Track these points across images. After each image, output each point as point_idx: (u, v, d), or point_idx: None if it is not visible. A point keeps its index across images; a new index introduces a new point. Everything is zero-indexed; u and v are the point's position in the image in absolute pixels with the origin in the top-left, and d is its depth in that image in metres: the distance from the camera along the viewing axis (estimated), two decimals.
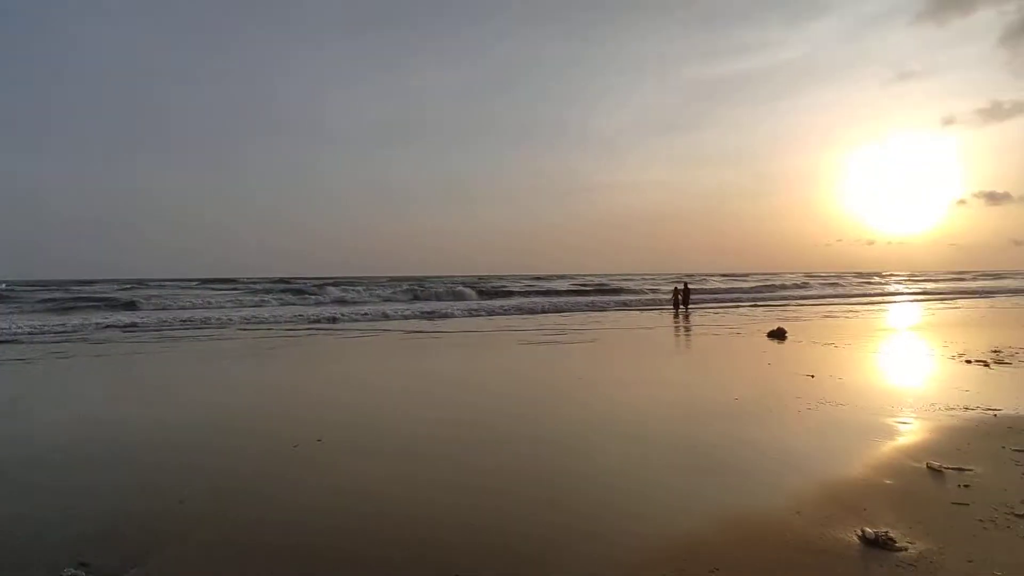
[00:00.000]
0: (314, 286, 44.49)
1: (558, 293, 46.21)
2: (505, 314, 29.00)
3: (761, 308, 32.10)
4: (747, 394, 8.84)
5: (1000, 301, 36.64)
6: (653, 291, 47.69)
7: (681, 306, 29.12)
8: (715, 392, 9.29)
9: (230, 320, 24.72)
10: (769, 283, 63.99)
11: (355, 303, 35.69)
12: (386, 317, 26.71)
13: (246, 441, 6.93)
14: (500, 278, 70.94)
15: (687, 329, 20.88)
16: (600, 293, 47.35)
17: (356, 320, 25.36)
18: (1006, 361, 11.46)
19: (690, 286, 31.23)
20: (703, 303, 37.40)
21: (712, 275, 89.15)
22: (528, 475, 5.54)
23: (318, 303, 35.41)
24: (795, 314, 27.06)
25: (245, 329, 21.81)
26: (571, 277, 74.61)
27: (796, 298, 44.24)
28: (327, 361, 14.49)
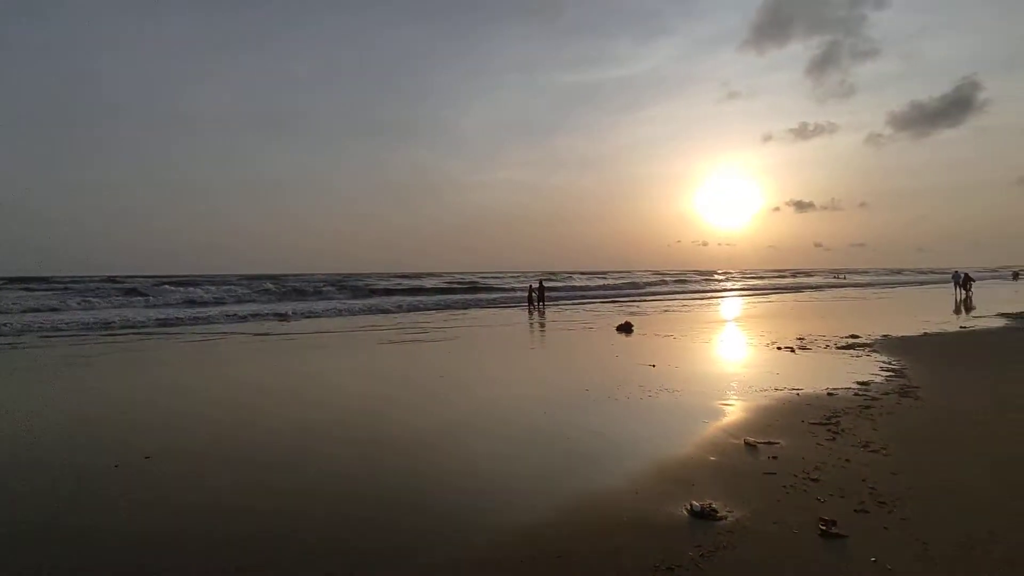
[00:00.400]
0: (153, 285, 39.80)
1: (425, 291, 45.91)
2: (368, 313, 28.18)
3: (613, 304, 34.32)
4: (596, 385, 9.36)
5: (805, 296, 42.59)
6: (521, 289, 49.03)
7: (537, 303, 30.31)
8: (568, 384, 9.73)
9: (38, 325, 21.33)
10: (621, 280, 68.68)
11: (203, 304, 32.61)
12: (235, 319, 24.68)
13: (58, 463, 5.98)
14: (366, 276, 68.75)
15: (542, 325, 21.69)
16: (468, 291, 47.82)
17: (198, 322, 23.13)
18: (808, 347, 13.31)
19: (548, 284, 32.67)
20: (562, 300, 39.19)
21: (574, 272, 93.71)
22: (385, 476, 5.38)
23: (151, 304, 31.79)
24: (642, 309, 29.27)
25: (53, 336, 18.93)
26: (441, 275, 74.46)
27: (643, 294, 47.94)
28: (158, 370, 13.01)
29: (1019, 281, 65.11)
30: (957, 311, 24.22)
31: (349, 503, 4.75)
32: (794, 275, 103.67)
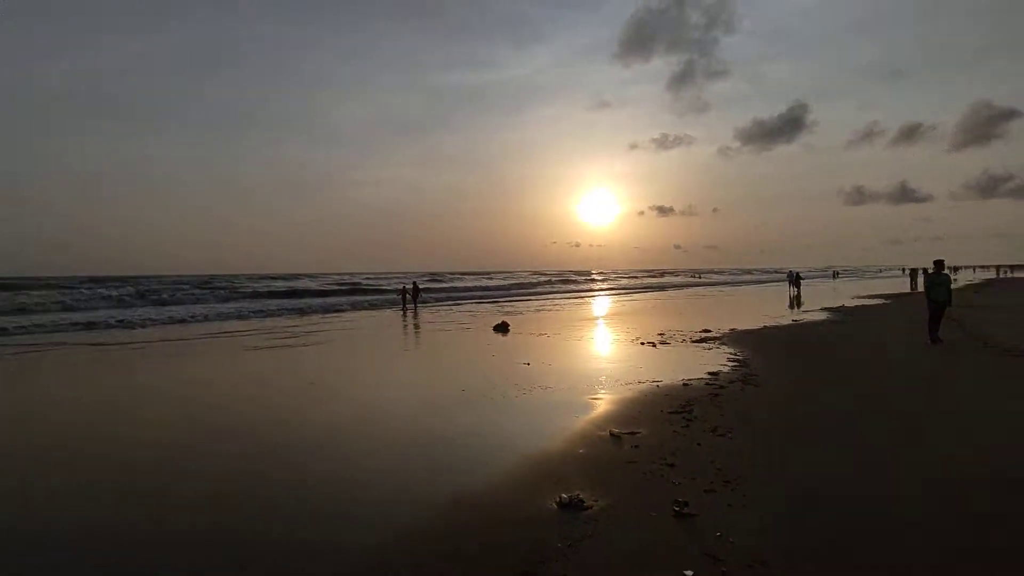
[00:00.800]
0: None
1: (300, 294, 43.49)
2: (234, 318, 26.13)
3: (492, 304, 34.80)
4: (473, 385, 9.43)
5: (667, 294, 46.00)
6: (400, 290, 48.01)
7: (411, 304, 30.10)
8: (444, 385, 9.70)
9: None
10: (501, 281, 69.82)
11: (36, 310, 28.38)
12: (73, 327, 21.75)
13: None
14: (234, 277, 63.88)
15: (416, 327, 21.48)
16: (347, 293, 45.92)
17: (26, 332, 20.11)
18: (668, 342, 14.39)
19: (432, 286, 32.61)
20: (444, 301, 39.02)
21: (457, 273, 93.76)
22: (256, 489, 5.02)
23: None
24: (519, 309, 29.97)
25: None
26: (321, 276, 70.97)
27: (522, 294, 49.07)
28: None
29: (838, 279, 75.45)
30: (791, 306, 27.41)
31: (220, 520, 4.37)
32: (662, 275, 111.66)
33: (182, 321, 24.31)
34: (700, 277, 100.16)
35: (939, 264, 13.77)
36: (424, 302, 34.44)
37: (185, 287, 42.43)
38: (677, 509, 4.29)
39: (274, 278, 65.19)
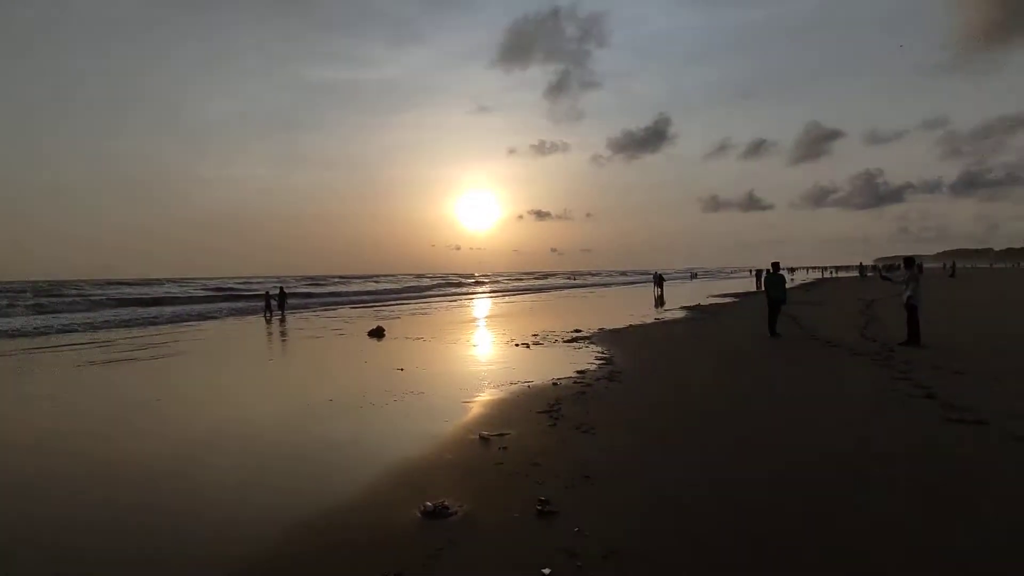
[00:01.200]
0: None
1: (157, 301, 39.36)
2: (70, 331, 22.96)
3: (369, 308, 33.73)
4: (342, 394, 9.03)
5: (544, 296, 47.39)
6: (264, 296, 44.97)
7: (277, 310, 28.34)
8: (311, 396, 9.18)
9: None
10: (380, 285, 68.03)
11: None
12: None
13: None
14: (76, 284, 56.50)
15: (283, 334, 20.30)
16: (215, 300, 42.19)
17: None
18: (541, 342, 14.76)
19: (305, 291, 30.96)
20: (321, 306, 37.19)
21: (335, 276, 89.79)
22: (91, 518, 4.36)
23: None
24: (397, 313, 29.33)
25: None
26: (188, 281, 64.60)
27: (401, 298, 48.07)
28: None
29: (696, 280, 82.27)
30: (656, 305, 29.34)
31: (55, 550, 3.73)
32: (545, 277, 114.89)
33: (8, 335, 21.01)
34: (575, 279, 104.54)
35: (775, 265, 15.38)
36: (292, 309, 32.60)
37: (9, 294, 36.87)
38: (539, 508, 4.35)
39: (126, 284, 58.67)
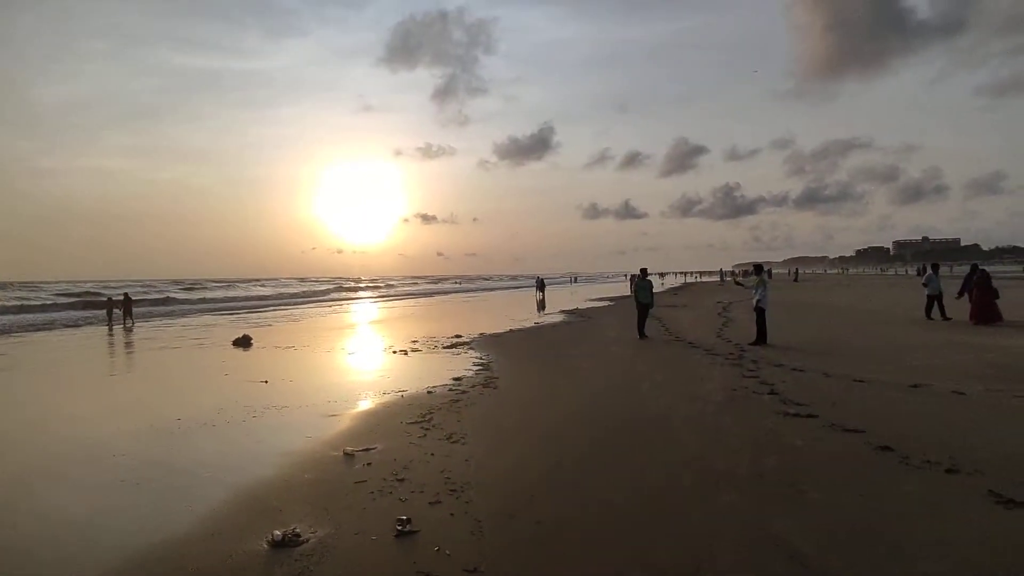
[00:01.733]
0: None
1: None
2: None
3: (238, 315, 31.33)
4: (193, 411, 8.18)
5: (427, 300, 46.83)
6: (107, 302, 40.21)
7: (123, 319, 25.53)
8: (156, 414, 8.21)
9: None
10: (255, 289, 63.61)
11: None
12: None
13: None
14: None
15: (128, 344, 18.31)
16: (55, 308, 36.84)
17: None
18: (419, 349, 14.46)
19: (167, 294, 28.24)
20: (185, 314, 33.95)
21: (210, 281, 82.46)
22: None
23: None
24: (268, 320, 27.51)
25: None
26: (36, 285, 55.79)
27: (275, 303, 45.25)
28: None
29: (576, 284, 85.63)
30: (537, 310, 29.99)
31: None
32: (436, 282, 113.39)
33: None
34: (460, 283, 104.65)
35: (643, 271, 16.27)
36: (154, 316, 29.55)
37: None
38: (400, 528, 4.14)
39: None
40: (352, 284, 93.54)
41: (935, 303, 16.83)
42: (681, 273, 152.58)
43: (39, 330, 23.97)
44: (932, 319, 16.69)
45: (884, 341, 13.39)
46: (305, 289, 71.18)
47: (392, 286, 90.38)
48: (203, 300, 47.51)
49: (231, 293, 57.93)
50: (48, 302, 40.46)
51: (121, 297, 26.90)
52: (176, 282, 74.34)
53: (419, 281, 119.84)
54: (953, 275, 41.78)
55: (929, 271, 17.66)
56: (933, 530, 3.93)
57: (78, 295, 46.46)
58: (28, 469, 6.04)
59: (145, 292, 51.54)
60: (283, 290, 66.73)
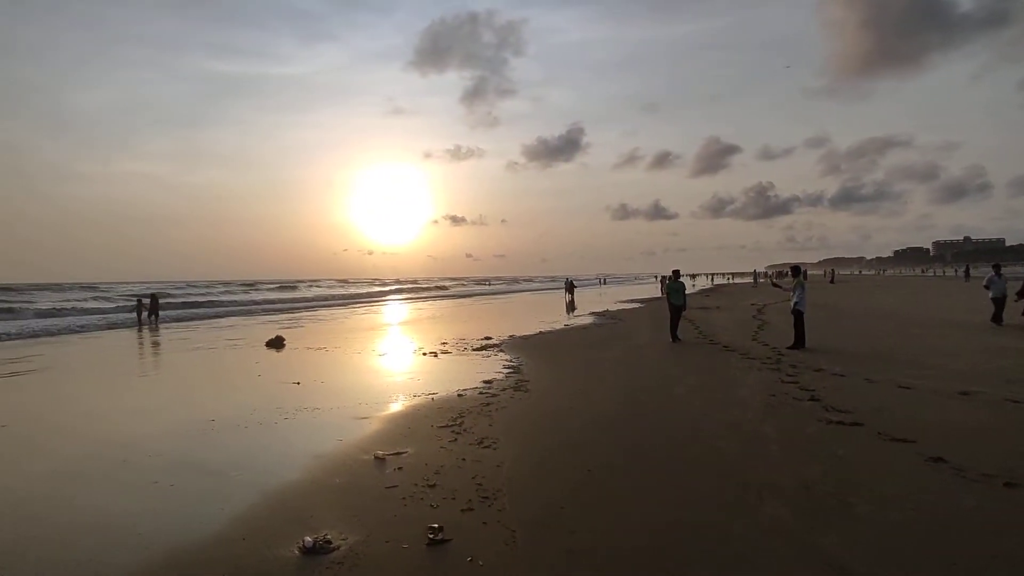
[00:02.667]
0: None
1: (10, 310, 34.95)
2: None
3: (271, 316, 31.89)
4: (226, 412, 8.28)
5: (457, 301, 46.98)
6: (136, 304, 41.25)
7: (149, 318, 26.70)
8: (190, 416, 8.34)
9: None
10: (287, 291, 64.76)
11: None
12: None
13: None
14: None
15: (156, 344, 18.74)
16: (89, 312, 38.05)
17: None
18: (449, 351, 14.44)
19: (160, 298, 29.40)
20: (214, 315, 34.72)
21: (232, 283, 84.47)
22: None
23: None
24: (301, 321, 27.91)
25: None
26: (61, 287, 57.91)
27: (306, 305, 45.96)
28: None
29: (605, 286, 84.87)
30: (567, 311, 29.79)
31: None
32: (468, 283, 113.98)
33: None
34: (490, 284, 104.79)
35: (676, 273, 15.98)
36: (187, 319, 30.35)
37: None
38: (431, 536, 4.07)
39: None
40: (381, 285, 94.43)
41: (1000, 306, 15.85)
42: (713, 274, 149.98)
43: (73, 333, 24.73)
44: (1000, 324, 15.60)
45: (928, 345, 12.87)
46: (337, 291, 72.13)
47: (421, 287, 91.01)
48: (237, 301, 48.57)
49: (266, 296, 59.05)
50: (78, 303, 41.70)
51: (148, 300, 28.05)
52: (208, 283, 76.06)
53: (448, 283, 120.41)
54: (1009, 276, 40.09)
55: (992, 272, 16.63)
56: (993, 547, 3.69)
57: (101, 297, 47.75)
58: (65, 468, 6.16)
59: (179, 293, 52.98)
60: (316, 291, 67.76)
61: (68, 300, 43.51)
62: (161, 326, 25.47)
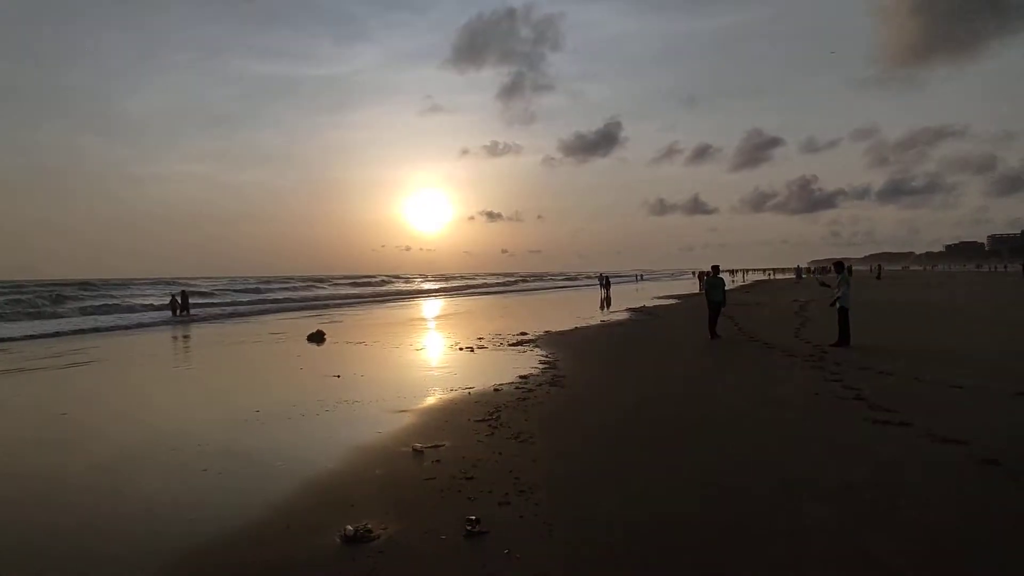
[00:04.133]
0: None
1: (64, 301, 36.58)
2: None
3: (312, 312, 32.67)
4: (270, 404, 8.55)
5: (492, 298, 47.21)
6: (171, 301, 42.57)
7: (184, 311, 28.64)
8: (236, 406, 8.65)
9: None
10: (326, 287, 66.14)
11: None
12: None
13: None
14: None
15: (187, 337, 19.41)
16: (143, 309, 39.45)
17: None
18: (485, 346, 14.54)
19: (188, 293, 31.48)
20: (258, 312, 35.75)
21: (276, 279, 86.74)
22: None
23: None
24: (341, 316, 28.50)
25: None
26: (91, 285, 60.56)
27: (346, 300, 46.85)
28: None
29: (642, 282, 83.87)
30: (601, 307, 29.61)
31: None
32: (519, 279, 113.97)
33: None
34: (529, 280, 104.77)
35: (715, 268, 15.70)
36: (233, 316, 31.42)
37: None
38: (469, 528, 4.12)
39: (36, 284, 54.73)
40: (418, 281, 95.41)
41: None
42: (753, 270, 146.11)
43: (126, 329, 25.79)
44: None
45: (982, 344, 12.34)
46: (372, 286, 73.24)
47: (457, 283, 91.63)
48: (274, 300, 49.68)
49: (307, 293, 60.26)
50: (131, 300, 43.09)
51: (179, 295, 29.79)
52: (251, 280, 78.22)
53: (484, 277, 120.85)
54: None
55: None
56: None
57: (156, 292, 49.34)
58: (121, 455, 6.47)
59: (226, 289, 54.67)
60: (351, 287, 68.94)
61: (132, 295, 45.00)
62: (209, 321, 26.40)
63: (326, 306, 38.66)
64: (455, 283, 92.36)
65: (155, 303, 36.36)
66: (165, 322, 26.65)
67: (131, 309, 35.61)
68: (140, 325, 25.22)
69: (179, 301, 29.41)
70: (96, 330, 23.18)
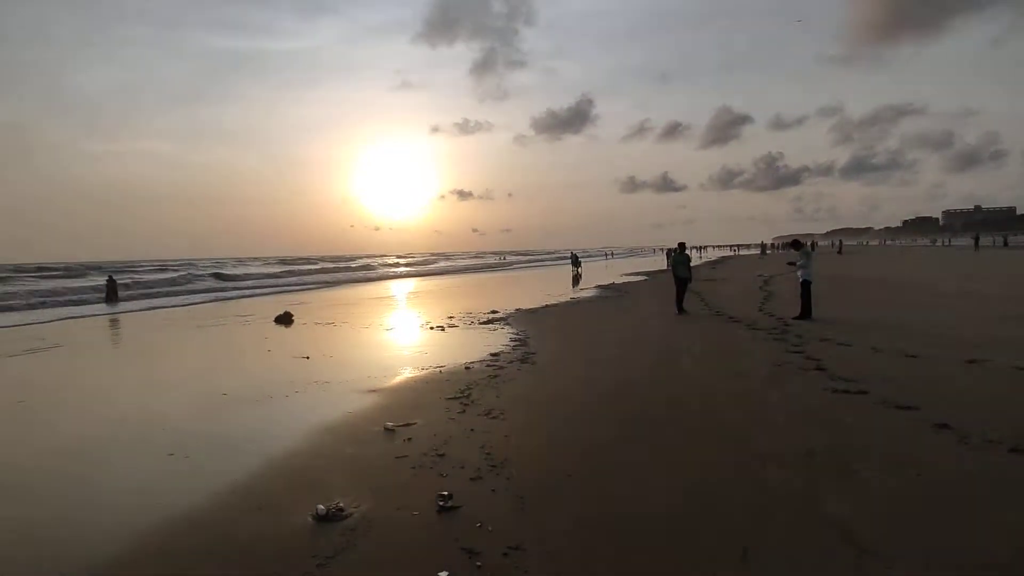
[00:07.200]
0: None
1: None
2: None
3: (280, 292, 32.06)
4: (238, 387, 8.40)
5: (463, 277, 47.05)
6: (188, 280, 41.43)
7: (112, 298, 26.89)
8: (203, 390, 8.47)
9: None
10: (294, 267, 64.88)
11: None
12: None
13: None
14: None
15: (114, 322, 18.89)
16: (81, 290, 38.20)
17: None
18: (456, 325, 14.52)
19: (116, 279, 29.95)
20: (222, 293, 34.92)
21: (242, 259, 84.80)
22: None
23: None
24: (308, 297, 28.03)
25: None
26: (54, 267, 58.19)
27: (314, 282, 46.08)
28: None
29: (612, 259, 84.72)
30: (572, 285, 29.79)
31: None
32: (504, 257, 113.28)
33: None
34: (505, 259, 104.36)
35: (682, 245, 15.91)
36: (210, 292, 30.57)
37: None
38: (441, 504, 4.15)
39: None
40: (387, 261, 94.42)
41: None
42: (720, 246, 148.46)
43: (80, 316, 24.95)
44: None
45: (936, 314, 12.83)
46: (341, 266, 72.20)
47: (427, 262, 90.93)
48: (245, 277, 48.63)
49: (273, 270, 59.15)
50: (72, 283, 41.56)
51: (106, 280, 28.84)
52: (216, 260, 76.40)
53: (454, 256, 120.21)
54: (1013, 245, 39.76)
55: None
56: (997, 511, 3.74)
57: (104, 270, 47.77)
58: (83, 441, 6.30)
59: (188, 271, 53.21)
60: (320, 267, 67.85)
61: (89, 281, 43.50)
62: (167, 306, 25.58)
63: (294, 287, 37.97)
64: (426, 262, 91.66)
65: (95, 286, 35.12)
66: (121, 310, 25.86)
67: (82, 292, 34.38)
68: (83, 305, 24.42)
69: (112, 285, 27.96)
70: (55, 317, 22.35)
